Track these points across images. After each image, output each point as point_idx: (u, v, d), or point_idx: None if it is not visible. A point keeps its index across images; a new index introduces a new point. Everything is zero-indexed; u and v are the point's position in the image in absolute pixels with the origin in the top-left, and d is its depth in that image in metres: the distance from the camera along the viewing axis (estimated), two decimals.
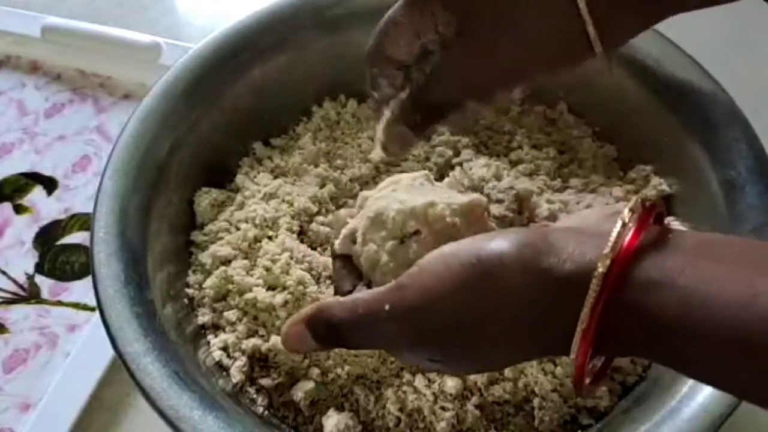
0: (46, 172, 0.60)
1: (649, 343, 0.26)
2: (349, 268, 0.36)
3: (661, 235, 0.26)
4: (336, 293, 0.36)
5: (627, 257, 0.25)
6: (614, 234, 0.26)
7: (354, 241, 0.36)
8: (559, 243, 0.27)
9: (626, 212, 0.26)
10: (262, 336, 0.42)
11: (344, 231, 0.36)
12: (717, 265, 0.25)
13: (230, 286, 0.43)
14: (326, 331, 0.32)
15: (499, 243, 0.28)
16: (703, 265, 0.25)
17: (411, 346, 0.30)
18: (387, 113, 0.40)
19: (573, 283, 0.26)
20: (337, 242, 0.37)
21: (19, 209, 0.58)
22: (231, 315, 0.43)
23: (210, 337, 0.43)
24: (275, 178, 0.50)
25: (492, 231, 0.33)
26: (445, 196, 0.35)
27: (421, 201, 0.34)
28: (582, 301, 0.25)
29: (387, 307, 0.29)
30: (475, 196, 0.36)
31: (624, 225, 0.26)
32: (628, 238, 0.26)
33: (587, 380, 0.28)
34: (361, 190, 0.49)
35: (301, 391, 0.40)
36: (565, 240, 0.27)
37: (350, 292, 0.35)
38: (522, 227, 0.30)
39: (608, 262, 0.25)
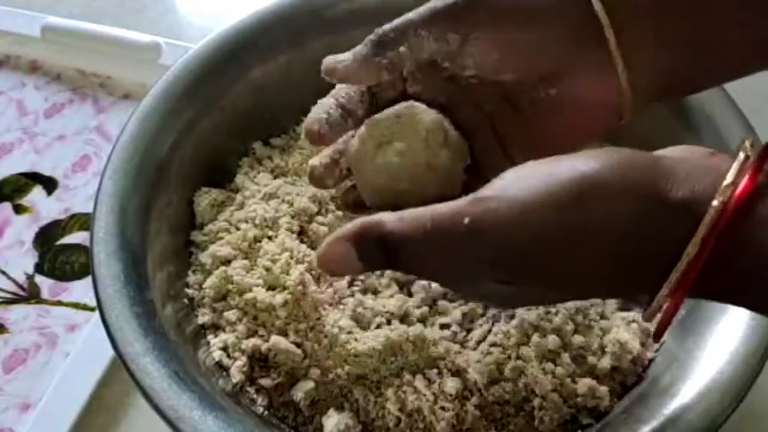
0: (46, 172, 0.60)
1: (754, 282, 0.25)
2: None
3: None
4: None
5: (747, 190, 0.24)
6: (735, 166, 0.25)
7: None
8: (671, 169, 0.26)
9: (748, 145, 0.26)
10: (262, 336, 0.42)
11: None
12: None
13: (230, 286, 0.43)
14: (378, 249, 0.28)
15: (603, 163, 0.26)
16: None
17: (489, 263, 0.27)
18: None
19: (686, 209, 0.25)
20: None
21: (18, 209, 0.58)
22: (231, 315, 0.43)
23: (210, 337, 0.43)
24: (275, 178, 0.50)
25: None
26: None
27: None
28: (693, 231, 0.24)
29: (467, 220, 0.26)
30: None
31: (747, 158, 0.25)
32: (749, 174, 0.25)
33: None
34: None
35: (301, 391, 0.40)
36: (676, 167, 0.26)
37: None
38: (625, 148, 0.27)
39: (729, 192, 0.24)
